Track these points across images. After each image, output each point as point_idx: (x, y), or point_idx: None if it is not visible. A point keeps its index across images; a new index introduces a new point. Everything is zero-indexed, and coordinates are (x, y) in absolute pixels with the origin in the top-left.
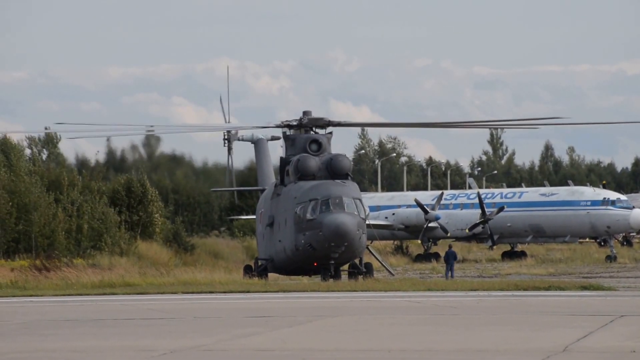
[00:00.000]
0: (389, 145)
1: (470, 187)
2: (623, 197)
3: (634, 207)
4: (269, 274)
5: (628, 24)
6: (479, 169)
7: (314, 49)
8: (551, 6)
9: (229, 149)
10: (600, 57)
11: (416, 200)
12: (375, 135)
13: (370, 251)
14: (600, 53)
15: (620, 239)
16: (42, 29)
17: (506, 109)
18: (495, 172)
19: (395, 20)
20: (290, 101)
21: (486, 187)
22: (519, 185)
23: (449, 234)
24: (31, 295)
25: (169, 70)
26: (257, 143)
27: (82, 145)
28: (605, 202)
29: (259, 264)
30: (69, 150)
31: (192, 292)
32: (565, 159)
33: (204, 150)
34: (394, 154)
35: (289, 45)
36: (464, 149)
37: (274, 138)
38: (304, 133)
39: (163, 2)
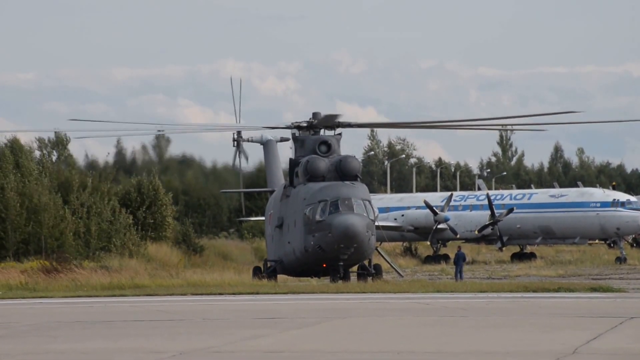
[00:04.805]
0: (398, 147)
1: (479, 189)
2: (633, 198)
3: None
4: (278, 276)
5: (634, 25)
6: (488, 170)
7: (319, 50)
8: (556, 7)
9: (239, 151)
10: (606, 59)
11: (425, 202)
12: (385, 137)
13: (379, 252)
14: (606, 54)
15: (630, 240)
16: (48, 31)
17: (512, 110)
18: (505, 173)
19: (400, 21)
20: (296, 103)
21: (495, 189)
22: (529, 187)
23: (458, 236)
24: (41, 297)
25: (175, 72)
26: (266, 144)
27: (91, 147)
28: (615, 203)
29: (268, 265)
30: (78, 151)
31: (201, 294)
32: (575, 161)
33: (213, 151)
34: (403, 156)
35: (294, 46)
36: (473, 151)
37: (283, 139)
38: (313, 134)
39: (168, 4)
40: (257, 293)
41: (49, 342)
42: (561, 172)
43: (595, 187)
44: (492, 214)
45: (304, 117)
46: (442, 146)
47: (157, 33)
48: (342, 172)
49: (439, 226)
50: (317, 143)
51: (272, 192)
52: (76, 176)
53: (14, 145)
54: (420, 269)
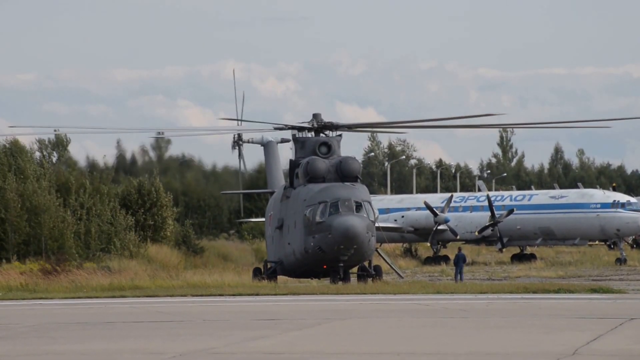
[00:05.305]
0: (399, 148)
1: (479, 190)
2: (633, 199)
3: None
4: (278, 277)
5: (634, 26)
6: (489, 171)
7: (319, 52)
8: (556, 8)
9: (239, 152)
10: (606, 60)
11: (425, 203)
12: (385, 138)
13: (379, 254)
14: (606, 55)
15: (630, 241)
16: (48, 31)
17: (512, 111)
18: (505, 174)
19: (400, 22)
20: (296, 104)
21: (496, 190)
22: (529, 188)
23: (458, 237)
24: (41, 298)
25: (175, 73)
26: (266, 145)
27: (92, 149)
28: (615, 204)
29: (268, 266)
30: (79, 153)
31: (202, 295)
32: (575, 162)
33: (213, 152)
34: (404, 157)
35: (294, 47)
36: (473, 152)
37: (283, 140)
38: (314, 135)
39: (168, 5)
40: (257, 294)
41: (49, 343)
42: (561, 173)
43: (596, 188)
44: (492, 215)
45: (304, 118)
46: (443, 147)
47: (157, 34)
48: (342, 173)
49: (439, 227)
50: (318, 144)
51: (272, 193)
52: (74, 178)
53: (14, 147)
54: (420, 270)
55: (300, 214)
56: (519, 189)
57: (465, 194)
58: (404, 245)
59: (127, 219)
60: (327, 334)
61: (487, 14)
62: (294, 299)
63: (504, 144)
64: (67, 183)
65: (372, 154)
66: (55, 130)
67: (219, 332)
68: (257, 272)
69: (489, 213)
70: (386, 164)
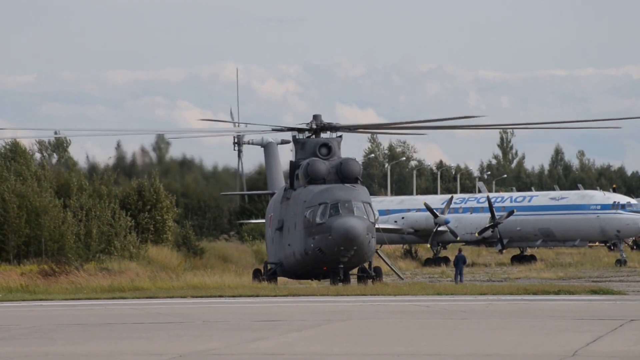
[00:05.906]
0: (399, 149)
1: (480, 191)
2: (633, 201)
3: None
4: (278, 278)
5: (634, 27)
6: (489, 172)
7: (318, 53)
8: (556, 10)
9: (239, 153)
10: (606, 61)
11: (426, 204)
12: (385, 139)
13: (379, 255)
14: (606, 57)
15: (630, 243)
16: (47, 33)
17: (512, 112)
18: (505, 176)
19: (400, 24)
20: (295, 105)
21: (496, 191)
22: (529, 189)
23: (458, 238)
24: (41, 300)
25: (175, 74)
26: (266, 147)
27: (92, 150)
28: (615, 206)
29: (268, 268)
30: (79, 154)
31: (202, 296)
32: (575, 163)
33: (214, 154)
34: (404, 158)
35: (294, 49)
36: (474, 153)
37: (283, 142)
38: (314, 137)
39: (168, 6)
40: (257, 295)
41: (49, 345)
42: (561, 175)
43: (596, 189)
44: (493, 217)
45: (304, 119)
46: (443, 149)
47: (157, 35)
48: (343, 174)
49: (439, 228)
50: (318, 145)
51: (272, 194)
52: (74, 179)
53: (13, 149)
54: (421, 271)
55: (300, 215)
56: (519, 190)
57: (466, 195)
58: (404, 246)
59: (126, 221)
60: (327, 335)
61: (486, 15)
62: (294, 300)
63: (504, 146)
64: (67, 184)
65: (373, 155)
66: (55, 133)
67: (219, 334)
68: (257, 274)
69: (489, 214)
70: (386, 165)
